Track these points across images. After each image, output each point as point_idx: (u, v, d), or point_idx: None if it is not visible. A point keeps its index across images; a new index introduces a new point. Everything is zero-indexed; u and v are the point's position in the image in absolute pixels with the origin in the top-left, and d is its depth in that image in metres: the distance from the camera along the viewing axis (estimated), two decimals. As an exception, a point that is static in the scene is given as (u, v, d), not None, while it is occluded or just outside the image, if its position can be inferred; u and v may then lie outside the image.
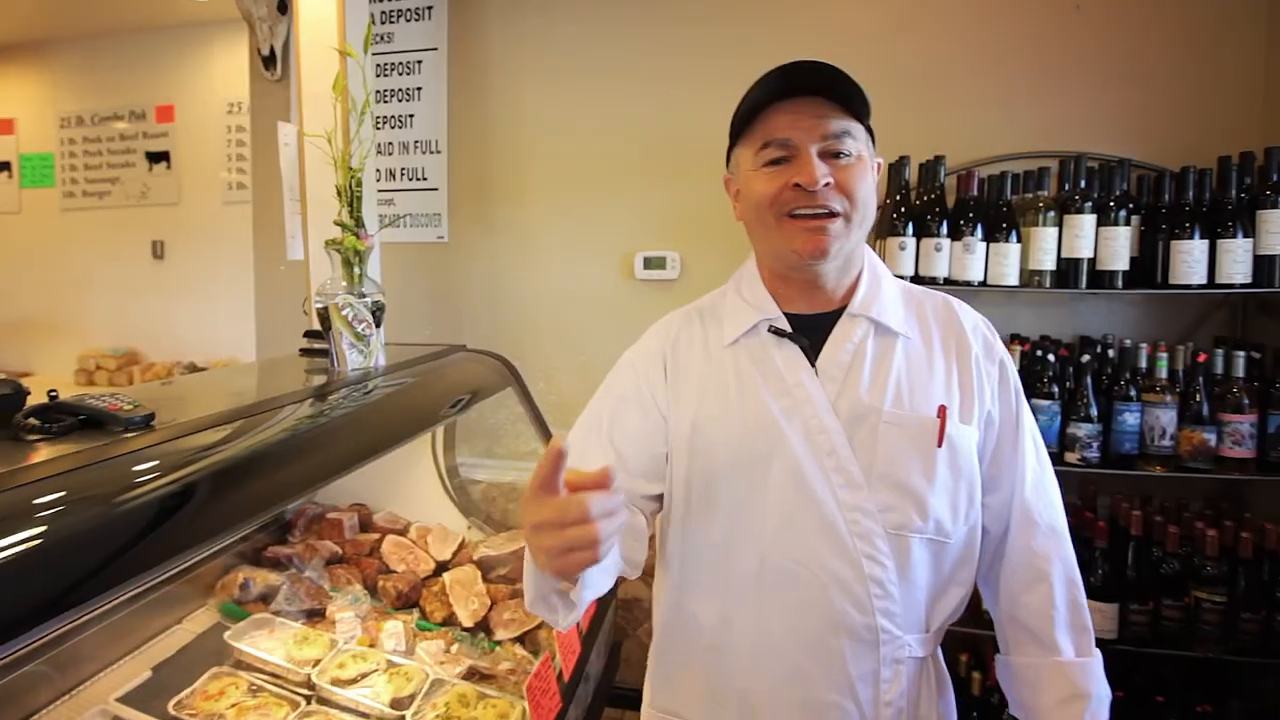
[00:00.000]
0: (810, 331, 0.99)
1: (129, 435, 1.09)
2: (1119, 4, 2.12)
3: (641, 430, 1.03)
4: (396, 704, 1.45)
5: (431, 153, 2.47)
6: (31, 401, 1.12)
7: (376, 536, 2.01)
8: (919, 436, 0.94)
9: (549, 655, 1.57)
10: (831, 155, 0.93)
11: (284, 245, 2.14)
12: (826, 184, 0.91)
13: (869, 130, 0.98)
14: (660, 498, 1.05)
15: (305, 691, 1.47)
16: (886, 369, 0.97)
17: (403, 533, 2.04)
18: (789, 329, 1.00)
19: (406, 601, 1.84)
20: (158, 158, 3.70)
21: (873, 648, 0.94)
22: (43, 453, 1.00)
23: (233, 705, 1.40)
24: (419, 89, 2.45)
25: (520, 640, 1.75)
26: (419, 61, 2.44)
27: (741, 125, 0.98)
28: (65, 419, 1.10)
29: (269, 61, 2.49)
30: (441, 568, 1.94)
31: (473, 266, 2.51)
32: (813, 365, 0.98)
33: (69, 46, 3.76)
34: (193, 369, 3.55)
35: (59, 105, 3.84)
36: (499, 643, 1.74)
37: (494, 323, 2.49)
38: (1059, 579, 0.99)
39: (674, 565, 1.03)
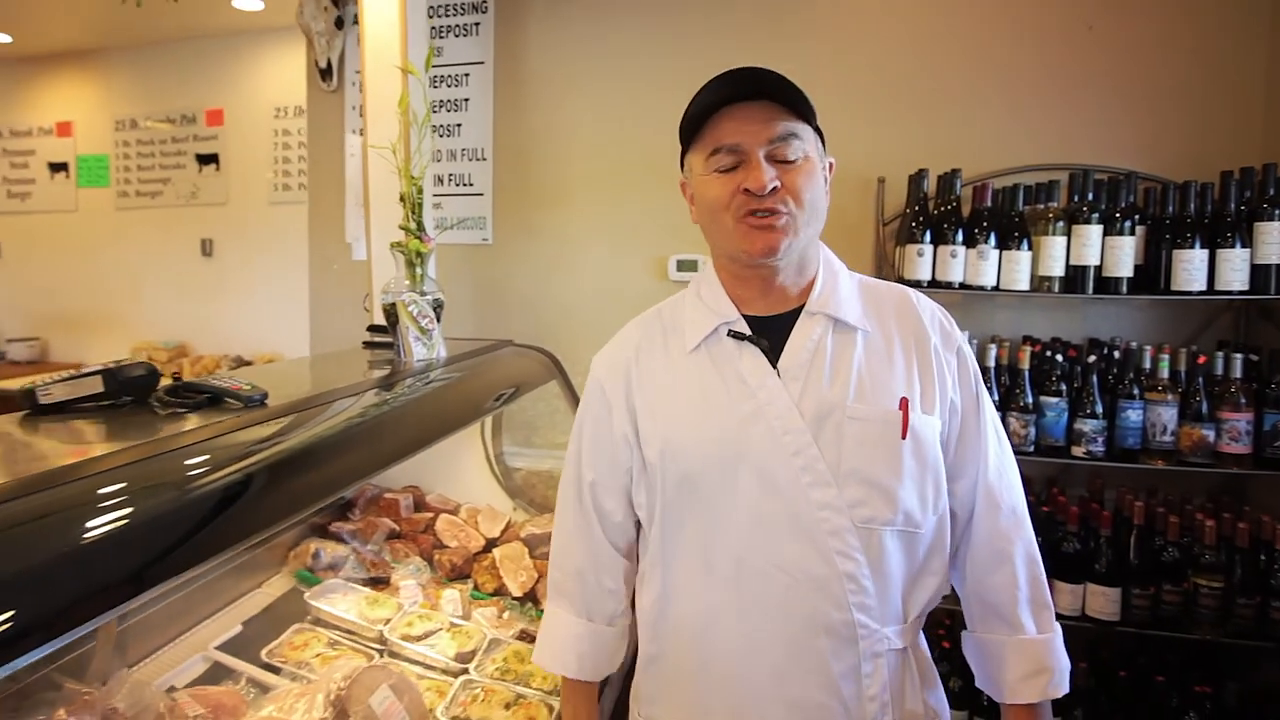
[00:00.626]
0: (770, 332, 1.01)
1: (248, 410, 1.26)
2: (1129, 23, 2.25)
3: (611, 458, 1.08)
4: (460, 658, 1.61)
5: (478, 160, 2.63)
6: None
7: (430, 515, 2.17)
8: (883, 430, 0.96)
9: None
10: (779, 159, 0.95)
11: (338, 246, 2.31)
12: (775, 188, 0.94)
13: (818, 132, 1.01)
14: (631, 512, 1.10)
15: (378, 646, 1.63)
16: (847, 364, 0.99)
17: (454, 513, 2.20)
18: (748, 332, 1.02)
19: (460, 574, 2.00)
20: (207, 159, 3.89)
21: (851, 644, 0.96)
22: (177, 425, 1.16)
23: (316, 655, 1.56)
24: (466, 100, 2.61)
25: (565, 611, 1.91)
26: (466, 75, 2.60)
27: (691, 131, 1.01)
28: (194, 396, 1.26)
29: (325, 73, 2.66)
30: (490, 544, 2.10)
31: (515, 267, 2.67)
32: (774, 366, 1.00)
33: (123, 54, 3.96)
34: (240, 363, 3.74)
35: (113, 109, 4.04)
36: (543, 610, 1.90)
37: (535, 320, 2.65)
38: (1021, 559, 1.03)
39: (655, 574, 1.06)
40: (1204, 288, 1.95)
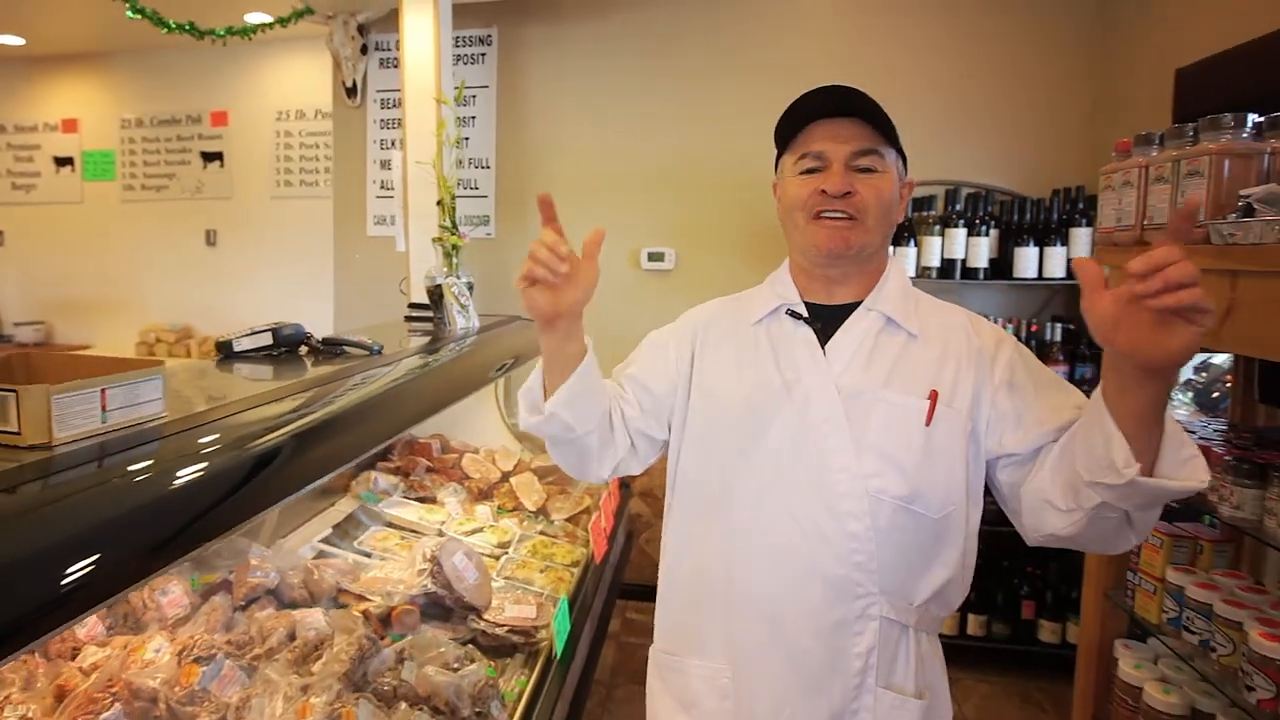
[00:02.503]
0: (826, 319, 1.10)
1: (370, 357, 1.80)
2: (994, 70, 2.95)
3: (661, 371, 1.18)
4: (500, 546, 2.19)
5: (482, 168, 3.17)
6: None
7: (457, 455, 2.72)
8: (909, 414, 1.02)
9: (597, 516, 2.34)
10: (859, 170, 1.04)
11: (360, 238, 2.82)
12: (848, 193, 1.03)
13: (901, 154, 1.10)
14: (661, 444, 1.20)
15: (437, 539, 2.20)
16: (889, 356, 1.06)
17: (475, 453, 2.76)
18: (805, 313, 1.11)
19: (485, 496, 2.57)
20: (212, 157, 4.27)
21: (846, 599, 1.02)
22: (324, 368, 1.71)
23: (395, 543, 2.11)
24: (473, 117, 3.15)
25: (570, 520, 2.51)
26: (474, 96, 3.13)
27: (787, 138, 1.11)
28: (333, 349, 1.81)
29: (350, 92, 3.15)
30: (506, 476, 2.67)
31: (514, 257, 3.23)
32: (823, 347, 1.08)
33: (131, 56, 4.27)
34: (245, 339, 4.15)
35: (120, 108, 4.35)
36: (553, 521, 2.49)
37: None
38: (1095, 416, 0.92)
39: (677, 514, 1.16)
40: (1035, 276, 2.67)
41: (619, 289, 3.21)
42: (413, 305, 2.64)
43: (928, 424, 1.02)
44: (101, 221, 4.46)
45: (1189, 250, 0.74)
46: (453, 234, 2.44)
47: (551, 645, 1.79)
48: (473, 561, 1.96)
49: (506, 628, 1.81)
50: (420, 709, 1.36)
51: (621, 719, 2.58)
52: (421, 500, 2.46)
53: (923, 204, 2.87)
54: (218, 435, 1.13)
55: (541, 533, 2.37)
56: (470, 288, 2.46)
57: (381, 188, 3.19)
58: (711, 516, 1.09)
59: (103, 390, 1.02)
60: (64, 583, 0.79)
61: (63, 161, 4.47)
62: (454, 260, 2.45)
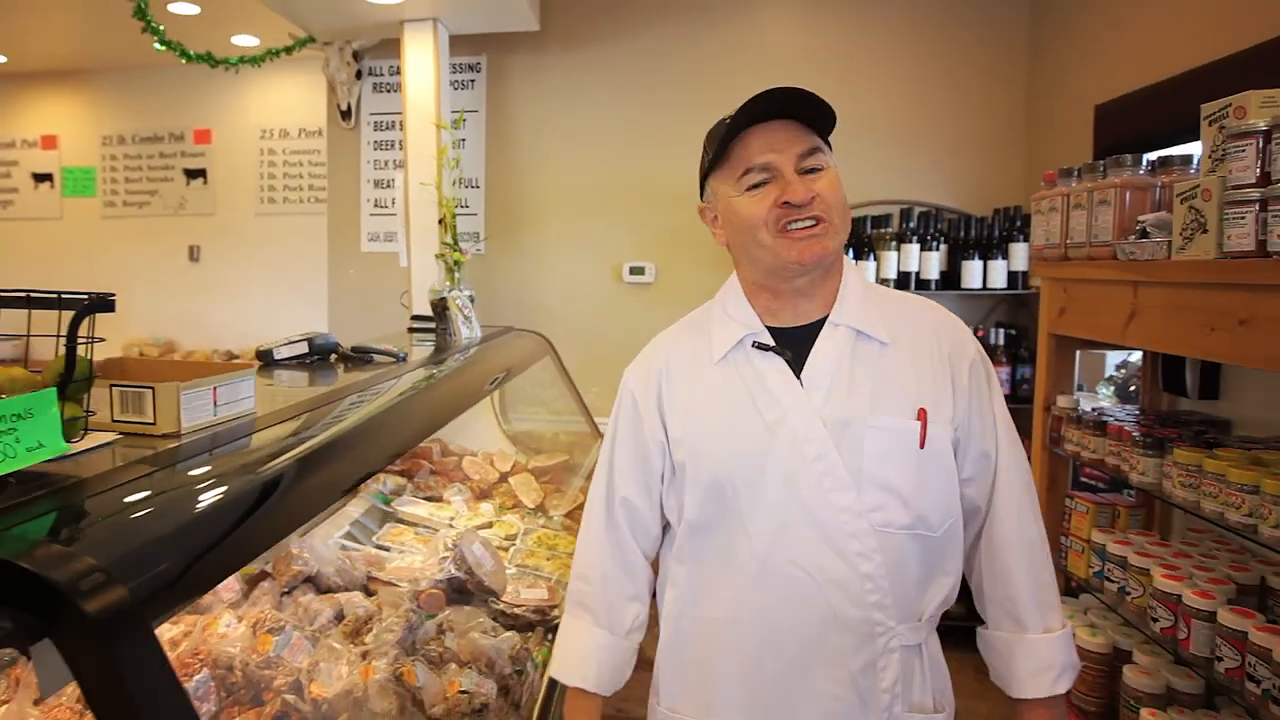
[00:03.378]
0: (794, 343, 1.04)
1: (397, 364, 1.99)
2: (937, 94, 3.27)
3: (643, 464, 1.12)
4: (508, 538, 2.38)
5: (472, 187, 3.36)
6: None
7: (456, 458, 2.90)
8: (902, 439, 0.99)
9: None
10: (807, 170, 1.00)
11: (353, 254, 2.99)
12: (812, 198, 0.98)
13: (828, 142, 1.06)
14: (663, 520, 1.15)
15: (457, 531, 2.38)
16: (868, 375, 1.02)
17: (474, 455, 2.94)
18: (772, 343, 1.04)
19: (485, 496, 2.75)
20: (195, 174, 4.35)
21: (869, 640, 0.99)
22: (359, 374, 1.89)
23: (410, 538, 2.29)
24: (464, 140, 3.33)
25: (568, 515, 2.71)
26: (464, 120, 3.33)
27: (716, 157, 1.05)
28: (362, 356, 1.99)
29: (345, 114, 3.32)
30: (504, 476, 2.86)
31: (503, 271, 3.42)
32: (798, 376, 1.02)
33: (112, 75, 4.34)
34: (229, 356, 4.23)
35: (101, 125, 4.41)
36: (553, 517, 2.68)
37: (519, 313, 3.41)
38: (1027, 561, 1.05)
39: (680, 571, 1.10)
40: (980, 286, 2.98)
41: (601, 301, 3.43)
42: (415, 317, 2.81)
43: (921, 446, 1.00)
44: (81, 237, 4.49)
45: (1100, 266, 0.99)
46: (455, 250, 2.63)
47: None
48: (488, 551, 2.15)
49: (524, 608, 2.00)
50: (468, 669, 1.55)
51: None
52: (429, 499, 2.63)
53: (880, 221, 3.16)
54: (300, 424, 1.31)
55: (543, 526, 2.56)
56: (472, 300, 2.65)
57: (375, 206, 3.36)
58: (718, 572, 1.05)
59: (214, 388, 1.20)
60: (217, 548, 0.96)
61: (41, 178, 4.50)
62: (456, 275, 2.64)
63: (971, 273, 2.99)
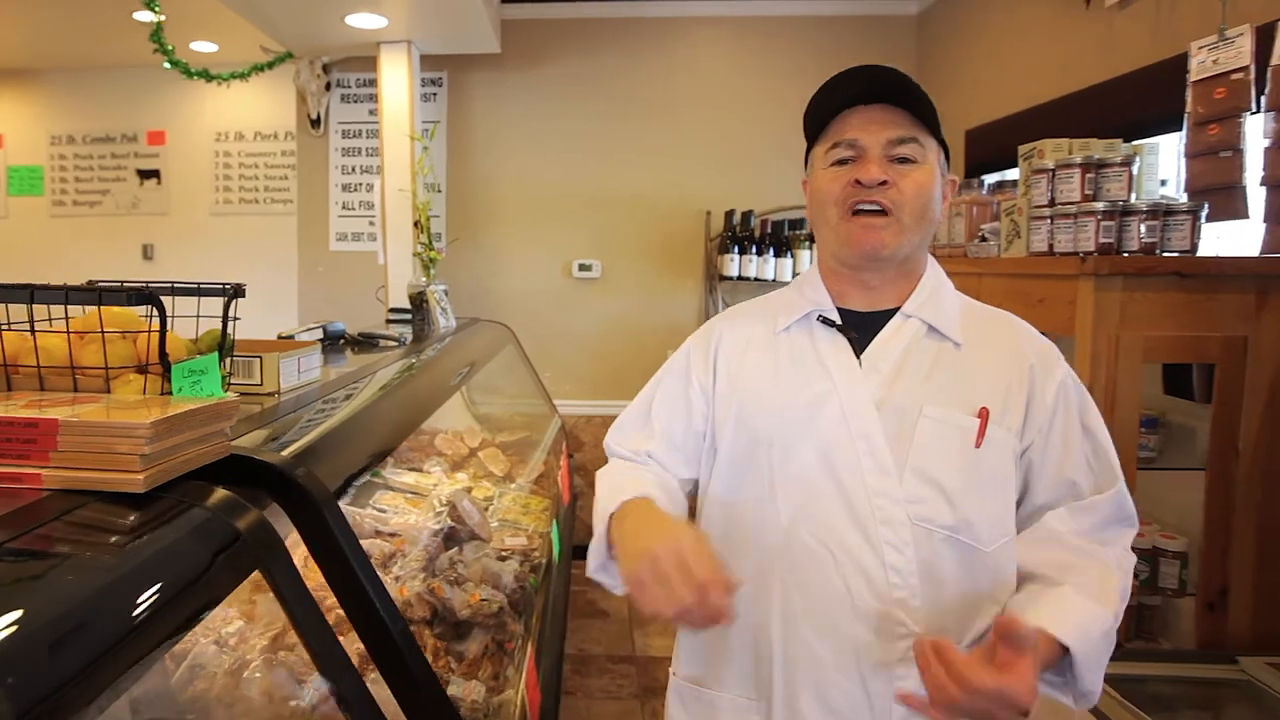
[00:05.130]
0: (861, 327, 1.01)
1: (399, 347, 2.34)
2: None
3: (683, 414, 1.10)
4: (486, 500, 2.76)
5: (436, 192, 3.69)
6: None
7: (429, 435, 3.24)
8: (957, 435, 0.95)
9: (562, 471, 2.97)
10: (897, 160, 0.95)
11: (322, 253, 3.29)
12: (883, 182, 0.94)
13: (943, 146, 1.00)
14: (693, 482, 1.12)
15: (449, 490, 2.73)
16: (933, 368, 0.98)
17: (445, 433, 3.29)
18: (838, 320, 1.02)
19: (459, 468, 3.11)
20: (149, 174, 4.47)
21: (889, 640, 0.93)
22: (374, 354, 2.24)
23: (403, 502, 2.63)
24: (425, 148, 3.66)
25: (534, 482, 3.10)
26: (425, 130, 3.65)
27: (818, 127, 1.03)
28: (369, 340, 2.33)
29: (315, 123, 3.58)
30: (474, 451, 3.22)
31: (463, 269, 3.77)
32: (859, 357, 1.00)
33: (63, 75, 4.38)
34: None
35: (50, 125, 4.45)
36: (521, 484, 3.07)
37: (479, 307, 3.76)
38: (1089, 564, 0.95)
39: (706, 528, 1.07)
40: (878, 280, 3.54)
41: (553, 295, 3.82)
42: (393, 310, 3.14)
43: (978, 445, 0.95)
44: (29, 235, 4.53)
45: (956, 262, 1.43)
46: (430, 249, 2.98)
47: (549, 560, 2.40)
48: (475, 506, 2.53)
49: (510, 551, 2.40)
50: (482, 585, 1.93)
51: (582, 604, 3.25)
52: (411, 470, 2.97)
53: (796, 224, 3.68)
54: (361, 385, 1.68)
55: (515, 491, 2.95)
56: (446, 293, 3.01)
57: (343, 208, 3.64)
58: (741, 545, 1.01)
59: (298, 359, 1.56)
60: (352, 456, 1.33)
61: (-15, 176, 4.51)
62: (431, 271, 2.99)
63: (871, 269, 3.55)
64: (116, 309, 1.13)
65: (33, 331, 1.05)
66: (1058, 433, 0.99)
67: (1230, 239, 1.80)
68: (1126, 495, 1.00)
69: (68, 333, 1.06)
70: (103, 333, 1.05)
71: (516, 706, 1.55)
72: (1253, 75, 1.68)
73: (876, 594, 0.94)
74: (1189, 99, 1.81)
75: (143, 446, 0.83)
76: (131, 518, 0.82)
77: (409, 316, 3.01)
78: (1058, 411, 0.99)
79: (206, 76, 3.33)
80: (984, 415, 0.96)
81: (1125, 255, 1.69)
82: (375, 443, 1.50)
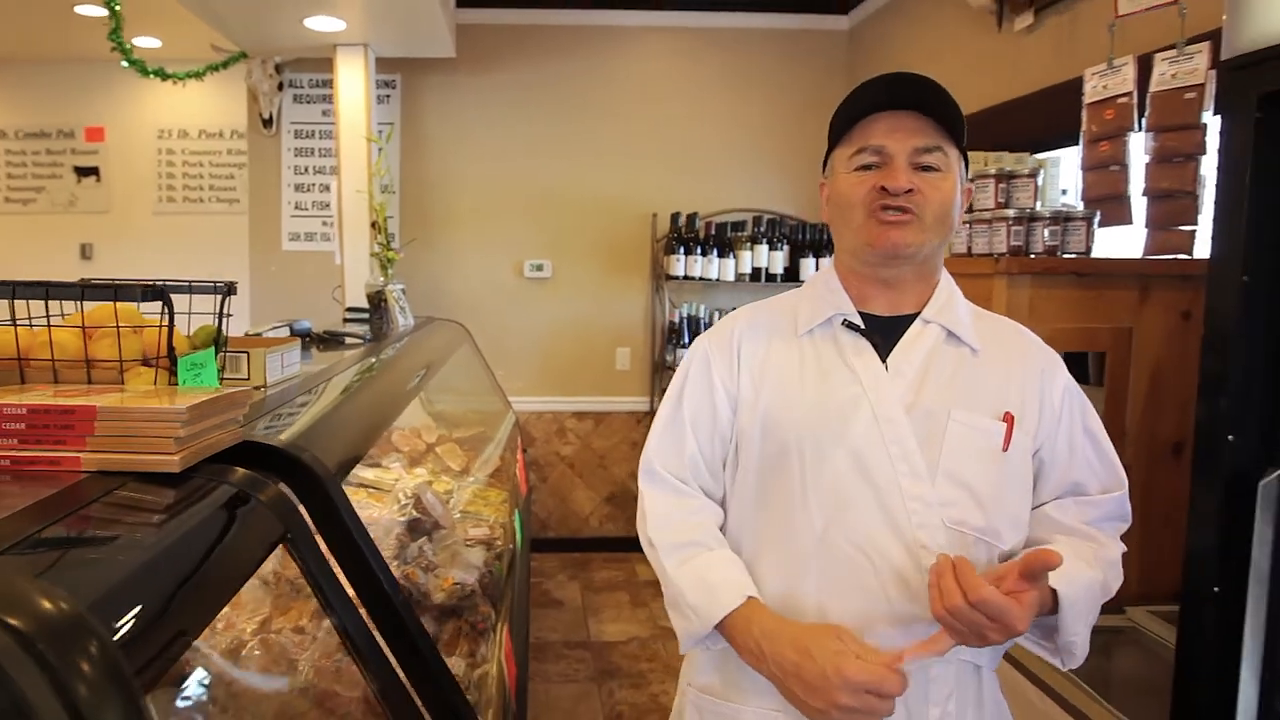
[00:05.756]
0: (883, 331, 1.02)
1: (365, 344, 2.42)
2: (780, 116, 4.02)
3: (710, 424, 1.08)
4: (446, 493, 2.85)
5: (389, 193, 3.75)
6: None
7: (387, 432, 3.30)
8: (986, 439, 0.97)
9: (518, 465, 3.08)
10: (921, 168, 0.97)
11: (274, 252, 3.33)
12: (909, 190, 0.95)
13: (964, 154, 1.02)
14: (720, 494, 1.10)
15: (413, 484, 2.81)
16: (956, 372, 1.00)
17: (402, 430, 3.36)
18: (861, 325, 1.02)
19: (417, 463, 3.18)
20: (87, 172, 4.36)
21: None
22: (344, 351, 2.32)
23: (365, 497, 2.71)
24: (381, 149, 3.71)
25: (491, 475, 3.20)
26: (381, 132, 3.71)
27: (842, 130, 1.03)
28: (336, 338, 2.40)
29: (267, 123, 3.59)
30: (431, 447, 3.30)
31: (418, 269, 3.83)
32: (883, 361, 1.00)
33: (-9, 70, 4.26)
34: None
35: (-23, 121, 4.30)
36: (477, 478, 3.17)
37: (434, 306, 3.83)
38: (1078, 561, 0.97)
39: (733, 539, 1.06)
40: (816, 279, 3.77)
41: (506, 294, 3.93)
42: (350, 309, 3.19)
43: (1005, 449, 0.97)
44: (-45, 233, 4.37)
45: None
46: (388, 249, 3.05)
47: (512, 549, 2.51)
48: (438, 498, 2.62)
49: (474, 540, 2.50)
50: (454, 571, 2.04)
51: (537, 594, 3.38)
52: (372, 466, 3.04)
53: (738, 226, 3.88)
54: (337, 380, 1.77)
55: (473, 484, 3.04)
56: (404, 292, 3.08)
57: (296, 208, 3.66)
58: (770, 551, 1.01)
59: (282, 354, 1.64)
60: (345, 442, 1.43)
61: (-94, 172, 4.32)
62: (389, 271, 3.05)
63: (809, 268, 3.76)
64: (128, 305, 1.20)
65: (49, 326, 1.12)
66: (1063, 436, 1.03)
67: (1118, 242, 2.05)
68: (1127, 497, 1.06)
69: (83, 327, 1.14)
70: (118, 327, 1.13)
71: (494, 678, 1.68)
72: (1135, 100, 1.92)
73: (913, 597, 0.94)
74: (1084, 119, 2.05)
75: (178, 430, 0.93)
76: (172, 495, 0.92)
77: (366, 315, 3.07)
78: (1063, 416, 1.03)
79: (162, 75, 3.30)
80: (1009, 420, 0.99)
81: (1032, 256, 1.91)
82: (363, 431, 1.60)
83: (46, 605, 0.61)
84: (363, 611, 1.19)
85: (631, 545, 4.41)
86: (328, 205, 3.66)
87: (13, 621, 0.58)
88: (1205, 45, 1.73)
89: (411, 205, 3.81)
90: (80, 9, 3.41)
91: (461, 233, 3.86)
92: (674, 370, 3.80)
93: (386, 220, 3.11)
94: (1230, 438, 1.15)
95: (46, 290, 1.12)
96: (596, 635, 3.43)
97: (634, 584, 3.86)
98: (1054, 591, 0.92)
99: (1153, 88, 1.84)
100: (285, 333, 2.32)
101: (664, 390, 3.98)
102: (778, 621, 0.95)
